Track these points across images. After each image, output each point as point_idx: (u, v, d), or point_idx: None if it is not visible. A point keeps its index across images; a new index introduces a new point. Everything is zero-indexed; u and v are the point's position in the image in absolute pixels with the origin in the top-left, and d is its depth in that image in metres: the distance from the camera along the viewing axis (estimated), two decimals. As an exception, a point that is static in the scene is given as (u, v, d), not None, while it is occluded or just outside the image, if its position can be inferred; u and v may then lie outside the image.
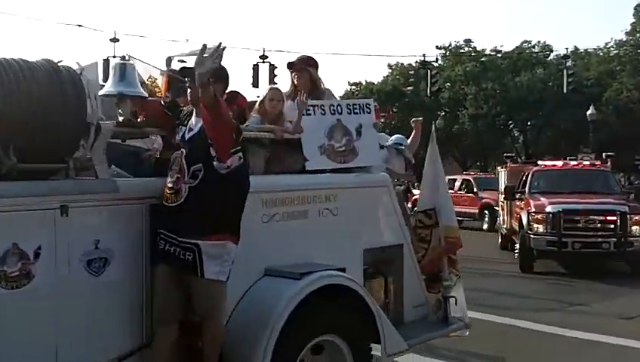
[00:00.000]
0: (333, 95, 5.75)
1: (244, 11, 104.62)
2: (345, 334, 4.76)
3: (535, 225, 14.06)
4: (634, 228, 13.70)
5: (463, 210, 25.89)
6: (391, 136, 7.21)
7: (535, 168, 17.06)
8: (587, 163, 17.43)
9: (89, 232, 3.75)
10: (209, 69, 3.66)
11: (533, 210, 14.33)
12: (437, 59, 46.51)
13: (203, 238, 3.88)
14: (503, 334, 8.83)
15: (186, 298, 4.00)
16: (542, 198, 14.64)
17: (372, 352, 5.04)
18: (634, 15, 44.79)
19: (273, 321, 4.22)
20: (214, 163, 3.88)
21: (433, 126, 6.46)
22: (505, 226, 17.78)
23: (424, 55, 40.61)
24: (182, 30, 73.10)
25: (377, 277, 5.63)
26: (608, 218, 13.75)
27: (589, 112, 35.02)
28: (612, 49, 45.73)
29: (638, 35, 44.08)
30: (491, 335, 8.45)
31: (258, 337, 4.20)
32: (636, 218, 13.84)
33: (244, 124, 5.08)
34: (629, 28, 44.74)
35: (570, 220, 13.76)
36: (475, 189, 25.78)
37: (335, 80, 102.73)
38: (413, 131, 6.80)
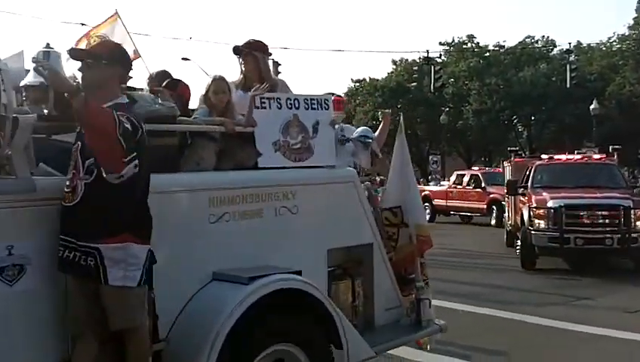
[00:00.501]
0: (287, 87, 5.38)
1: (247, 8, 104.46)
2: (302, 342, 4.40)
3: (537, 221, 13.55)
4: (638, 223, 13.16)
5: (471, 205, 25.63)
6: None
7: (538, 162, 16.39)
8: (597, 156, 16.77)
9: (1, 237, 3.40)
10: (50, 78, 3.37)
11: (535, 205, 13.85)
12: (440, 55, 46.84)
13: (102, 241, 3.46)
14: (507, 329, 8.79)
15: (101, 309, 3.62)
16: (544, 193, 14.10)
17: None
18: (636, 10, 44.75)
19: (216, 330, 3.88)
20: (103, 175, 3.44)
21: (401, 116, 6.06)
22: (510, 222, 17.14)
23: (427, 51, 40.55)
24: (185, 28, 72.77)
25: (344, 279, 5.30)
26: (612, 213, 13.23)
27: (592, 107, 34.95)
28: (615, 43, 45.77)
29: (640, 29, 43.87)
30: (496, 330, 8.61)
31: (199, 348, 3.86)
32: None
33: (192, 116, 4.77)
34: (631, 22, 44.80)
35: (572, 215, 13.26)
36: (483, 184, 25.39)
37: (338, 76, 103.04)
38: (381, 124, 6.41)
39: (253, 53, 5.27)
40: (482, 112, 44.34)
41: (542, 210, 13.53)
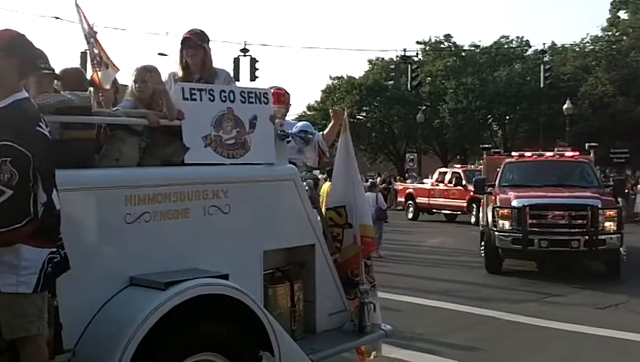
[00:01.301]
0: (231, 79, 5.09)
1: (226, 4, 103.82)
2: (228, 351, 4.11)
3: (500, 222, 12.75)
4: (607, 224, 12.36)
5: (453, 203, 25.50)
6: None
7: (507, 160, 15.63)
8: (569, 154, 15.89)
9: None
10: None
11: (499, 204, 13.12)
12: (417, 53, 46.74)
13: None
14: (480, 325, 8.94)
15: None
16: (510, 192, 13.36)
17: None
18: (609, 11, 45.23)
19: (127, 340, 3.57)
20: None
21: (345, 112, 5.76)
22: (482, 222, 16.36)
23: (405, 50, 40.50)
24: (162, 23, 72.22)
25: (283, 283, 5.01)
26: (578, 213, 12.39)
27: (565, 106, 35.19)
28: (588, 44, 46.14)
29: (613, 30, 44.19)
30: (469, 327, 8.77)
31: (109, 360, 3.55)
32: (610, 213, 12.49)
33: (114, 108, 4.44)
34: (604, 24, 45.45)
35: (537, 216, 12.51)
36: (464, 182, 25.23)
37: (316, 74, 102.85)
38: (331, 122, 6.10)
39: (202, 45, 4.98)
40: (458, 111, 44.34)
41: (506, 210, 12.80)
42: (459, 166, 31.92)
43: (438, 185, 27.30)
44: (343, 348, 5.08)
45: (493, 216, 12.93)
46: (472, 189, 23.33)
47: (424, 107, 47.25)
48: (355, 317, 5.29)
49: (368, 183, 17.68)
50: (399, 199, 30.52)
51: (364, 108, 50.59)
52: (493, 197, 13.84)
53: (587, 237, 12.10)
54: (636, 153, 39.00)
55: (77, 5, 5.35)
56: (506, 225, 12.62)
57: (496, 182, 14.46)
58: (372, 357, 5.63)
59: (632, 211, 25.93)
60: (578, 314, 9.44)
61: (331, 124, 6.08)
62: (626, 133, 37.39)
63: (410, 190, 29.17)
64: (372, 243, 5.51)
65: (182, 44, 4.96)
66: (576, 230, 12.28)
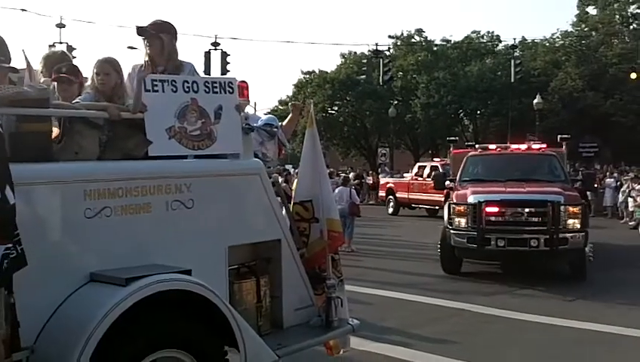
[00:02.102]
0: (195, 71, 5.00)
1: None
2: (191, 348, 4.05)
3: (457, 219, 11.82)
4: (570, 221, 11.43)
5: (431, 198, 25.17)
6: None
7: (471, 153, 14.55)
8: (536, 146, 14.82)
9: None
10: None
11: (454, 201, 12.19)
12: (389, 48, 46.78)
13: None
14: (451, 317, 9.01)
15: None
16: (469, 187, 12.43)
17: None
18: (578, 7, 45.72)
19: (86, 337, 3.49)
20: None
21: (311, 105, 5.71)
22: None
23: (377, 44, 40.51)
24: (132, 16, 71.30)
25: (248, 278, 4.95)
26: (538, 210, 11.50)
27: (535, 101, 35.50)
28: (558, 39, 46.62)
29: (582, 25, 44.71)
30: (440, 319, 8.84)
31: (67, 357, 3.47)
32: (573, 210, 11.52)
33: (73, 101, 4.34)
34: (574, 19, 45.94)
35: (494, 213, 11.56)
36: None
37: (288, 68, 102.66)
38: (290, 115, 6.05)
39: (159, 35, 4.88)
40: (430, 106, 44.54)
41: (461, 207, 11.87)
42: (438, 160, 31.79)
43: (417, 179, 26.87)
44: (309, 343, 5.03)
45: (449, 214, 12.10)
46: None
47: (396, 102, 47.37)
48: (322, 312, 5.25)
49: (341, 178, 17.63)
50: (380, 194, 30.32)
51: (337, 102, 50.58)
52: (451, 194, 13.05)
53: (548, 236, 11.24)
54: (605, 147, 39.55)
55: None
56: (462, 222, 11.77)
57: (457, 177, 13.74)
58: (341, 352, 5.58)
59: (602, 205, 26.27)
60: (548, 306, 9.52)
61: (290, 116, 6.04)
62: (594, 127, 37.87)
63: (391, 184, 28.77)
64: (339, 238, 5.47)
65: (138, 34, 4.86)
66: (536, 228, 11.42)
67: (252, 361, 4.35)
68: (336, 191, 15.60)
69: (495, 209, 11.59)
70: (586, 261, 11.54)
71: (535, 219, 11.48)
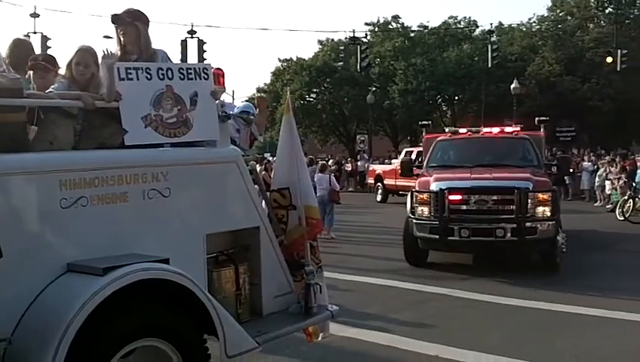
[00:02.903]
0: (168, 58, 4.96)
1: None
2: (170, 336, 4.05)
3: (419, 208, 11.15)
4: (539, 209, 10.68)
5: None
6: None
7: (440, 137, 13.81)
8: (509, 129, 13.93)
9: None
10: None
11: (417, 188, 11.48)
12: (366, 35, 46.83)
13: None
14: (430, 302, 9.12)
15: None
16: (434, 174, 11.79)
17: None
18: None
19: (64, 327, 3.48)
20: None
21: (288, 93, 5.70)
22: None
23: (354, 31, 40.56)
24: (106, 5, 70.54)
25: (227, 266, 4.95)
26: (504, 197, 10.75)
27: (512, 86, 35.68)
28: (534, 24, 46.82)
29: (558, 10, 44.93)
30: (419, 304, 8.95)
31: (45, 347, 3.46)
32: (542, 197, 10.80)
33: (47, 90, 4.30)
34: (549, 4, 46.06)
35: (457, 201, 10.89)
36: None
37: (265, 56, 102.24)
38: (257, 109, 6.03)
39: (135, 23, 4.84)
40: (408, 92, 44.55)
41: (424, 195, 11.20)
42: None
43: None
44: (289, 329, 5.03)
45: (412, 202, 11.43)
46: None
47: (374, 88, 47.35)
48: (301, 299, 5.26)
49: (319, 165, 17.64)
50: (369, 181, 30.19)
51: (314, 89, 50.47)
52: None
53: (515, 225, 10.54)
54: (582, 131, 39.91)
55: None
56: (425, 212, 11.10)
57: (425, 163, 13.09)
58: (320, 337, 5.61)
59: (579, 188, 26.56)
60: (527, 290, 9.60)
61: (257, 110, 6.01)
62: (572, 111, 38.13)
63: (379, 171, 28.45)
64: (317, 225, 5.48)
65: (112, 22, 4.82)
66: (502, 217, 10.71)
67: (231, 349, 4.36)
68: (316, 178, 15.63)
69: (458, 197, 10.95)
70: (557, 251, 10.95)
71: (501, 208, 10.80)
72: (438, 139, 13.74)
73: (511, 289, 9.71)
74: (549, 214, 10.74)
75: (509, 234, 10.59)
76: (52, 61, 4.63)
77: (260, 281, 5.15)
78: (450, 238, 10.79)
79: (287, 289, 5.35)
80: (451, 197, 10.89)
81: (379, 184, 28.11)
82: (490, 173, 11.54)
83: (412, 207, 11.34)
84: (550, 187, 11.33)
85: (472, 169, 11.88)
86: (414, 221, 11.22)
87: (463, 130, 14.09)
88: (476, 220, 10.82)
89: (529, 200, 10.66)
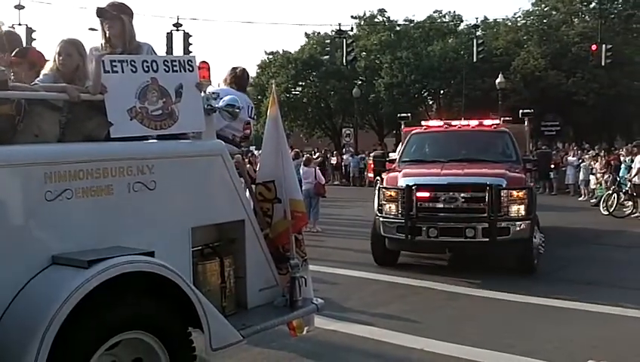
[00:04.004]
0: (154, 51, 4.95)
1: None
2: (156, 330, 4.06)
3: (387, 206, 10.49)
4: (513, 208, 9.97)
5: None
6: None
7: (415, 130, 13.11)
8: (488, 122, 13.08)
9: None
10: None
11: (385, 184, 10.86)
12: (352, 28, 46.79)
13: None
14: (414, 296, 9.14)
15: None
16: (404, 169, 11.21)
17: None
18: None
19: (49, 320, 3.48)
20: None
21: (273, 85, 5.68)
22: None
23: (340, 24, 40.51)
24: (92, -2, 69.89)
25: (212, 259, 4.95)
26: (475, 195, 10.07)
27: (498, 81, 35.83)
28: (520, 19, 47.03)
29: (543, 5, 45.12)
30: (403, 298, 8.99)
31: (29, 340, 3.46)
32: (516, 194, 10.08)
33: (32, 83, 4.28)
34: (535, -2, 45.84)
35: (426, 198, 10.21)
36: None
37: (251, 49, 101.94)
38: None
39: (120, 16, 4.83)
40: (393, 85, 44.62)
41: (391, 191, 10.53)
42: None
43: None
44: (274, 322, 5.04)
45: (379, 199, 10.74)
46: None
47: (360, 82, 47.39)
48: (286, 292, 5.27)
49: (304, 158, 17.64)
50: (369, 175, 30.23)
51: (300, 83, 50.41)
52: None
53: (486, 224, 9.86)
54: (567, 126, 40.17)
55: None
56: (392, 209, 10.43)
57: (398, 158, 12.47)
58: (305, 331, 5.63)
59: (564, 183, 26.74)
60: (508, 283, 9.65)
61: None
62: (556, 106, 38.36)
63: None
64: (303, 218, 5.48)
65: (97, 15, 4.80)
66: (473, 215, 10.03)
67: (216, 342, 4.37)
68: (302, 171, 15.65)
69: (426, 194, 10.25)
70: (533, 253, 10.36)
71: (473, 206, 10.12)
72: (413, 132, 13.09)
73: (492, 282, 9.73)
74: (523, 213, 10.04)
75: (480, 235, 9.90)
76: (38, 55, 4.61)
77: (245, 274, 5.15)
78: (417, 238, 10.14)
79: (272, 283, 5.36)
80: (419, 194, 10.20)
81: (378, 178, 28.18)
82: (462, 168, 10.91)
83: (379, 205, 10.68)
84: (526, 184, 10.68)
85: (445, 164, 11.17)
86: (381, 220, 10.57)
87: (437, 123, 13.64)
88: (446, 219, 10.18)
89: (502, 198, 9.97)
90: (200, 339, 4.39)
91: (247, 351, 6.08)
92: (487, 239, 9.86)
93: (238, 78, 6.36)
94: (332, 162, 36.95)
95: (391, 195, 10.51)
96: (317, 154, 32.53)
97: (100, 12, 4.76)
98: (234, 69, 6.42)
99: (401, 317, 7.94)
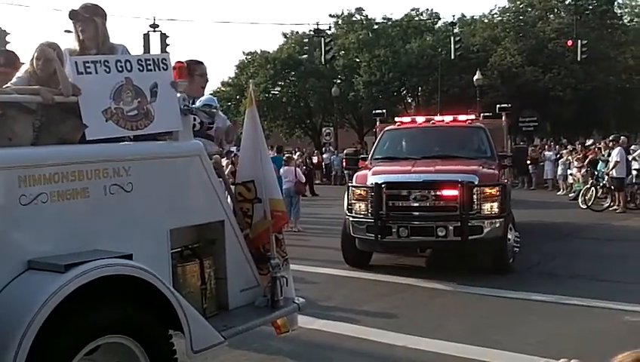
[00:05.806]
0: (128, 52, 4.89)
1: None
2: (136, 333, 4.01)
3: (356, 205, 10.18)
4: (485, 206, 9.67)
5: None
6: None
7: (387, 128, 12.76)
8: (462, 118, 12.75)
9: None
10: None
11: (354, 183, 10.58)
12: (330, 27, 46.76)
13: None
14: (397, 293, 9.10)
15: None
16: (375, 167, 10.91)
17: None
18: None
19: (27, 325, 3.42)
20: None
21: (251, 85, 5.66)
22: None
23: (317, 23, 40.47)
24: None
25: (192, 261, 4.91)
26: (446, 193, 9.74)
27: (475, 77, 35.94)
28: (496, 16, 47.24)
29: (519, 2, 45.41)
30: (386, 295, 8.95)
31: (7, 346, 3.40)
32: (489, 191, 9.77)
33: (4, 85, 4.21)
34: (511, -5, 46.14)
35: (395, 197, 9.90)
36: None
37: (229, 49, 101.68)
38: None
39: (93, 18, 4.77)
40: (372, 84, 44.67)
41: (361, 190, 10.20)
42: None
43: None
44: (255, 323, 5.01)
45: (348, 198, 10.46)
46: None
47: (339, 80, 47.39)
48: (267, 292, 5.24)
49: (284, 157, 17.62)
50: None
51: (279, 82, 50.32)
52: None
53: (458, 223, 9.55)
54: (544, 121, 40.43)
55: None
56: (362, 208, 10.11)
57: (370, 155, 12.11)
58: (290, 330, 5.60)
59: (542, 178, 26.94)
60: (491, 279, 9.66)
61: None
62: (534, 102, 38.57)
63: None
64: (283, 217, 5.46)
65: (70, 18, 4.74)
66: (444, 214, 9.73)
67: (197, 344, 4.33)
68: (282, 170, 15.63)
69: (397, 192, 9.97)
70: (508, 253, 10.10)
71: (443, 204, 9.80)
72: (386, 129, 12.70)
73: (473, 278, 9.71)
74: (497, 211, 9.74)
75: (451, 234, 9.59)
76: (13, 57, 4.55)
77: (225, 275, 5.12)
78: (387, 238, 9.84)
79: (253, 283, 5.33)
80: (389, 193, 9.88)
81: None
82: (434, 165, 10.47)
83: (349, 204, 10.39)
84: (499, 180, 10.33)
85: (417, 161, 10.78)
86: (351, 219, 10.27)
87: (408, 119, 13.38)
88: (417, 218, 9.86)
89: (474, 196, 9.65)
90: (181, 342, 4.35)
91: (228, 353, 6.04)
92: (459, 238, 9.59)
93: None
94: (314, 161, 36.93)
95: (360, 194, 10.20)
96: (297, 154, 32.49)
97: (73, 14, 4.69)
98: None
99: (385, 314, 7.95)
